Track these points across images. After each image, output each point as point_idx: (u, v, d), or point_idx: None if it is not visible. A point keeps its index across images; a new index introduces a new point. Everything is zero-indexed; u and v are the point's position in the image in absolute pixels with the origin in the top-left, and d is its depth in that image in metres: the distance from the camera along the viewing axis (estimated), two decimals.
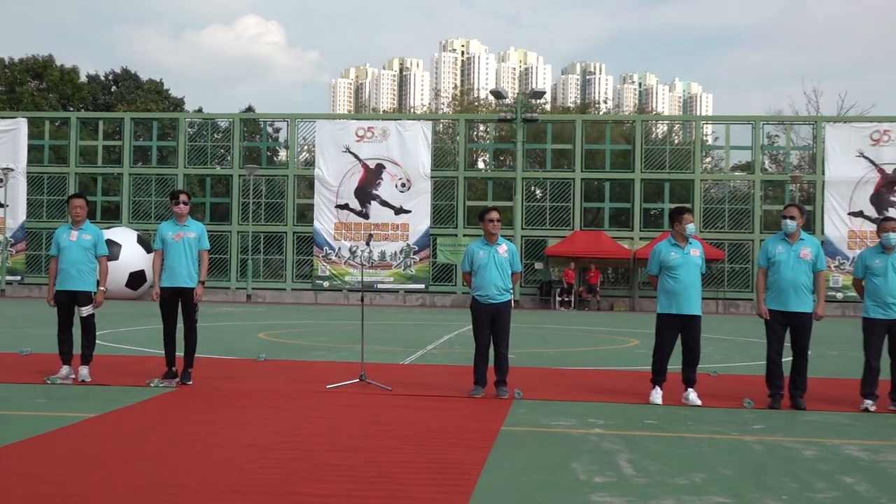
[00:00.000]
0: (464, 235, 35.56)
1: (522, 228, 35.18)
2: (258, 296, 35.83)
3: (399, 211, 35.45)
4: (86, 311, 9.18)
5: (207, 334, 15.61)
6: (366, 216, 35.57)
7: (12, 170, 37.39)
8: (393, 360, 12.15)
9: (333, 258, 35.46)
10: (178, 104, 58.16)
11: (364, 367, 9.51)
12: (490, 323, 8.73)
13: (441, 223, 36.29)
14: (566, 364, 12.24)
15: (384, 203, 35.52)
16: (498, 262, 8.76)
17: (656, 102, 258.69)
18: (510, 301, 8.82)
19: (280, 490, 4.99)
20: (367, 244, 10.29)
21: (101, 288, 9.24)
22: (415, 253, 35.36)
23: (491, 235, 8.84)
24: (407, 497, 4.89)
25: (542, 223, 35.90)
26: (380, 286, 35.27)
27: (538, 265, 35.43)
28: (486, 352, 8.82)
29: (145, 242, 32.79)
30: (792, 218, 8.68)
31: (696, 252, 8.76)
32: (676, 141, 42.25)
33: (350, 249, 35.37)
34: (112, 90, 58.79)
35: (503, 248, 8.84)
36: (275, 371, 10.51)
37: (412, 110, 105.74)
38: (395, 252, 35.28)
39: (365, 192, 35.67)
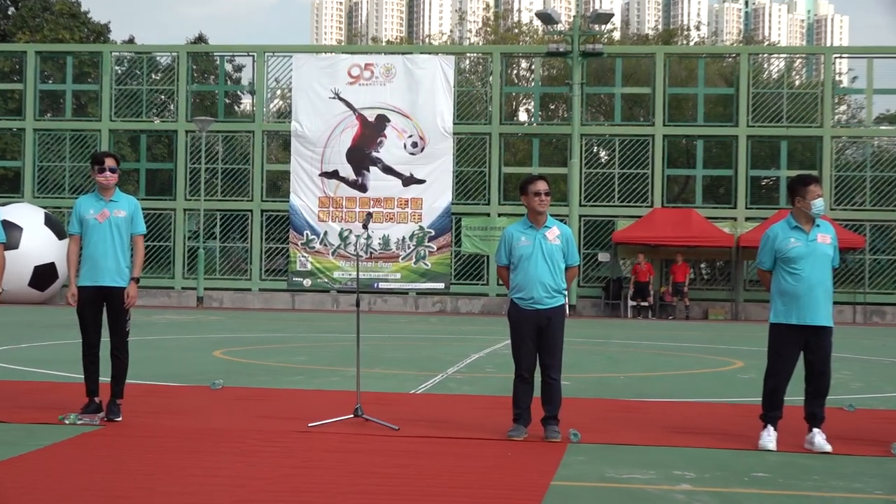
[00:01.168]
0: (499, 215, 35.57)
1: (581, 205, 35.13)
2: (213, 298, 36.02)
3: (409, 181, 35.48)
4: None
5: (143, 352, 15.66)
6: (362, 188, 35.62)
7: None
8: (400, 389, 12.17)
9: (317, 247, 35.56)
10: (101, 33, 58.43)
11: (360, 399, 9.53)
12: (536, 336, 8.72)
13: (467, 197, 36.26)
14: (642, 394, 12.21)
15: (388, 170, 35.56)
16: (547, 252, 8.73)
17: (769, 29, 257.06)
18: (564, 306, 8.80)
19: None
20: (365, 227, 10.30)
21: None
22: (431, 239, 35.39)
23: (537, 215, 8.82)
24: None
25: (609, 198, 35.81)
26: (382, 285, 35.33)
27: (603, 256, 35.33)
28: (531, 377, 8.81)
29: (57, 225, 32.98)
30: None
31: (825, 238, 8.69)
32: (798, 82, 41.94)
33: (341, 234, 35.46)
34: (9, 13, 59.13)
35: (554, 231, 8.80)
36: (235, 403, 10.55)
37: (427, 41, 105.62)
38: (404, 238, 35.33)
39: (361, 155, 35.72)
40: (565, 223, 37.32)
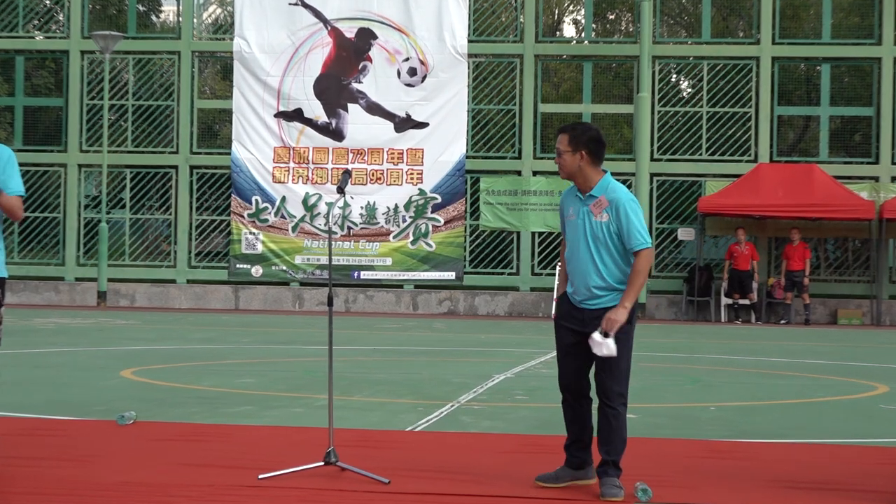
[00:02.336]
0: (535, 173, 35.47)
1: (653, 159, 35.02)
2: (121, 293, 36.02)
3: (404, 123, 35.42)
4: None
5: (20, 372, 15.66)
6: (337, 135, 35.57)
7: None
8: (392, 425, 12.19)
9: (272, 219, 35.54)
10: None
11: (333, 439, 9.53)
12: (583, 344, 8.80)
13: (489, 148, 36.17)
14: (741, 432, 12.20)
15: (374, 108, 35.50)
16: (590, 234, 8.70)
17: None
18: (626, 307, 8.75)
19: None
20: (341, 191, 10.24)
21: None
22: (436, 209, 35.34)
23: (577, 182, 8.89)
24: None
25: (695, 149, 35.72)
26: (365, 276, 35.30)
27: (685, 233, 35.22)
28: (574, 399, 8.88)
29: None
30: None
31: None
32: None
33: (305, 202, 35.42)
34: None
35: (601, 203, 8.71)
36: (154, 445, 10.55)
37: None
38: (397, 207, 35.29)
39: (336, 87, 35.66)
40: (629, 185, 36.84)
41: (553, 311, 9.09)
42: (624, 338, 8.70)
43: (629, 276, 8.63)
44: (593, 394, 8.84)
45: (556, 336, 8.90)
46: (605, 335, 8.43)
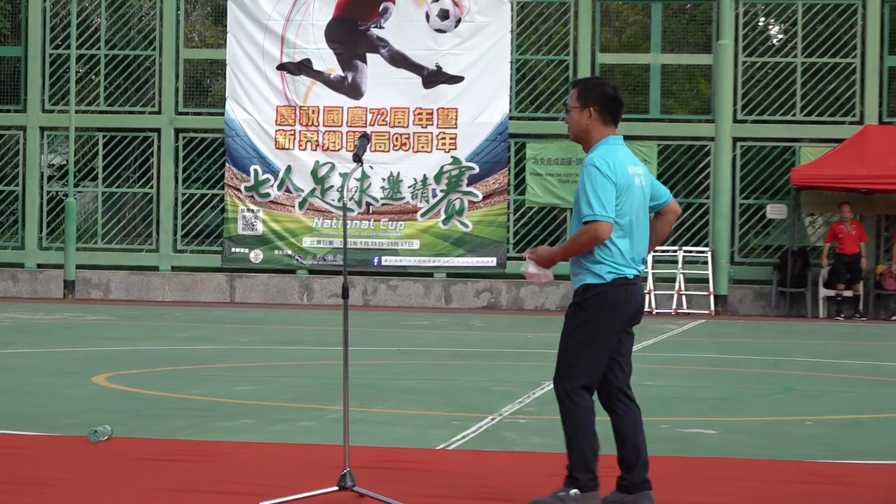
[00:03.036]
0: None
1: (736, 121, 34.89)
2: (93, 283, 36.11)
3: (434, 77, 35.43)
4: None
5: None
6: (354, 91, 35.58)
7: None
8: (421, 442, 12.24)
9: (274, 193, 35.59)
10: None
11: (349, 459, 9.57)
12: None
13: (537, 107, 36.14)
14: (843, 452, 12.19)
15: (398, 59, 35.51)
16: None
17: None
18: (582, 288, 8.90)
19: None
20: (358, 159, 10.26)
21: None
22: (472, 181, 35.34)
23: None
24: None
25: (787, 108, 35.60)
26: (387, 261, 35.33)
27: (774, 211, 35.10)
28: (602, 401, 9.01)
29: None
30: None
31: None
32: None
33: (315, 173, 35.46)
34: None
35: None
36: (134, 466, 10.59)
37: None
38: (426, 179, 35.29)
39: (352, 34, 35.67)
40: (707, 150, 36.71)
41: None
42: (570, 322, 8.85)
43: (570, 245, 8.90)
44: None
45: None
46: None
